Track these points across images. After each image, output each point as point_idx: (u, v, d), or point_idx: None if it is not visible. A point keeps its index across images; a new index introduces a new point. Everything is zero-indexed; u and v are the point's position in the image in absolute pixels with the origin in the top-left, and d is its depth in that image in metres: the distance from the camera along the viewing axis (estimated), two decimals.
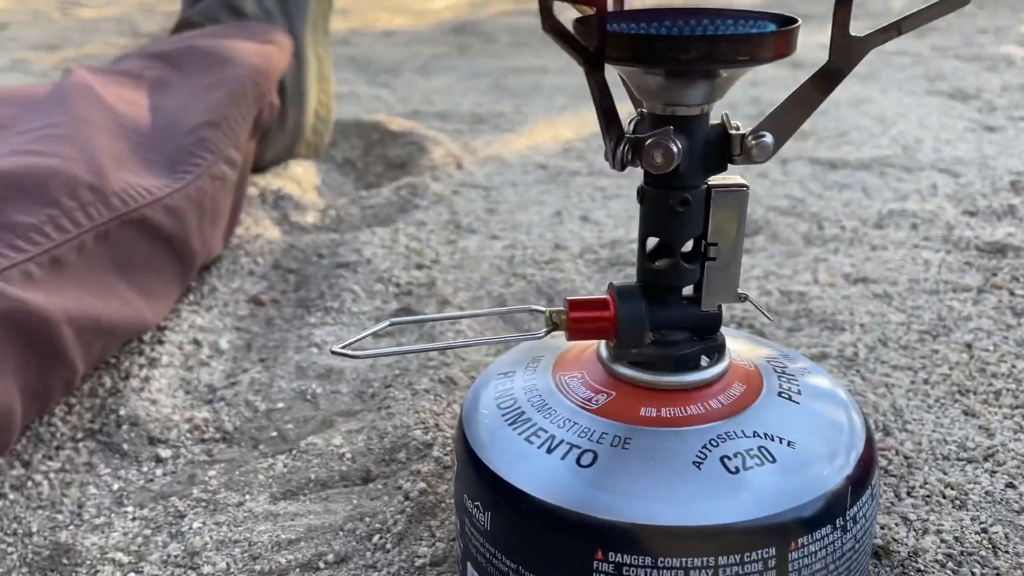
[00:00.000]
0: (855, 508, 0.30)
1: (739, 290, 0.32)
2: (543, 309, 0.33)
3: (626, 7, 0.33)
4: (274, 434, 0.50)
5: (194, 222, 0.58)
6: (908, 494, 0.42)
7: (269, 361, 0.58)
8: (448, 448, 0.45)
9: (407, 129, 1.05)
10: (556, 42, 0.24)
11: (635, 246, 0.73)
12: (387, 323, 0.33)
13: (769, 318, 0.36)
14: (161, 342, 0.58)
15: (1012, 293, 0.63)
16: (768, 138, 0.29)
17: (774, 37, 0.27)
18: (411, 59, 1.69)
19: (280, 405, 0.53)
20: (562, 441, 0.31)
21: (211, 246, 0.63)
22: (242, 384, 0.55)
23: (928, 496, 0.42)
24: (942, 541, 0.39)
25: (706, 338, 0.33)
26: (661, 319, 0.32)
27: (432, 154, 0.99)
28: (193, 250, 0.58)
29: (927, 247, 0.72)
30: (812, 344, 0.56)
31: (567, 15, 0.28)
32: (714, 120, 0.31)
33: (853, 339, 0.57)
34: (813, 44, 1.54)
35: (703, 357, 0.33)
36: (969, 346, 0.56)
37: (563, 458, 0.30)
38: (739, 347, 0.36)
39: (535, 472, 0.30)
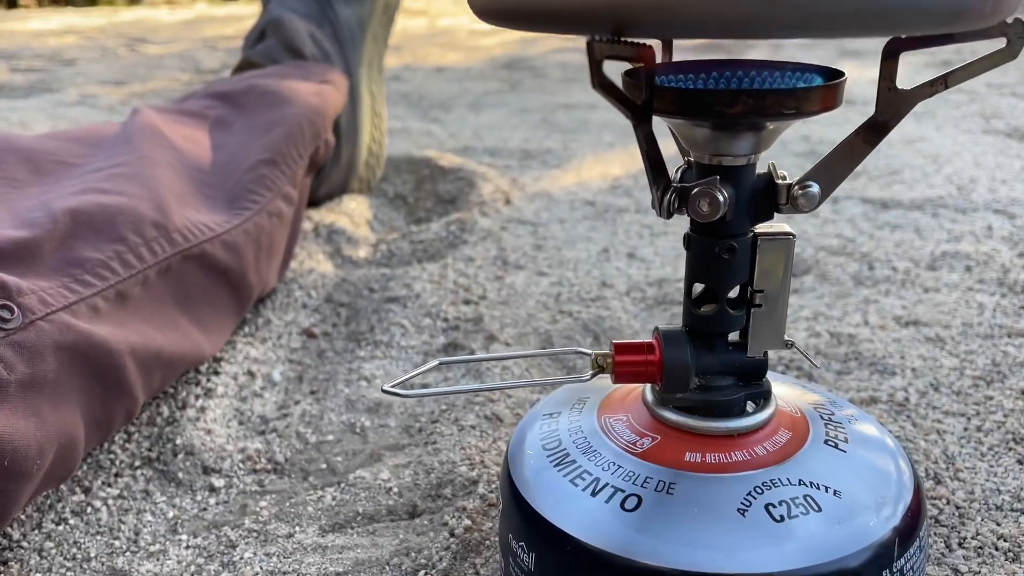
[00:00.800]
0: (902, 560, 0.30)
1: (785, 336, 0.32)
2: (589, 352, 0.33)
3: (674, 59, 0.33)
4: (323, 466, 0.51)
5: (251, 257, 0.59)
6: (959, 545, 0.41)
7: (320, 393, 0.59)
8: (493, 485, 0.46)
9: (457, 165, 1.06)
10: (605, 97, 0.25)
11: (682, 285, 0.73)
12: (435, 363, 0.34)
13: (815, 365, 0.36)
14: (217, 373, 0.60)
15: None
16: (815, 188, 0.30)
17: (820, 91, 0.27)
18: (462, 95, 1.72)
19: (330, 437, 0.54)
20: (607, 484, 0.31)
21: (267, 280, 0.65)
22: (293, 416, 0.56)
23: (980, 548, 0.41)
24: None
25: (752, 384, 0.33)
26: (706, 364, 0.32)
27: (481, 190, 1.00)
28: (250, 284, 0.60)
29: (981, 290, 0.71)
30: (861, 388, 0.56)
31: (614, 63, 0.29)
32: (761, 169, 0.31)
33: (904, 384, 0.56)
34: (865, 80, 1.53)
35: (749, 403, 0.33)
36: None
37: (607, 501, 0.30)
38: (785, 392, 0.36)
39: (579, 514, 0.30)
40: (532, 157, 1.20)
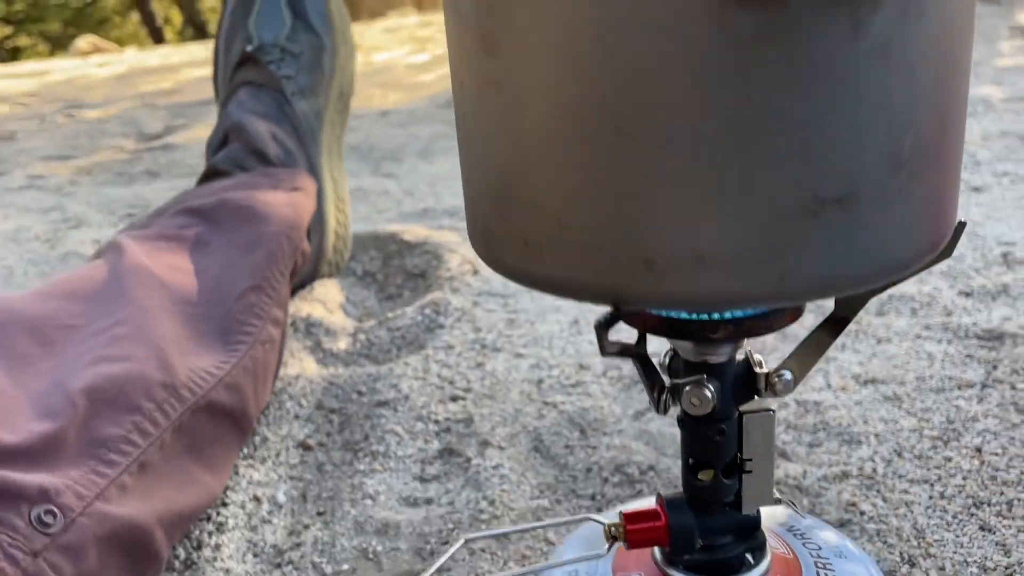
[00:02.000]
0: None
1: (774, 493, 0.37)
2: (603, 521, 0.37)
3: None
4: None
5: (251, 391, 0.62)
6: None
7: (327, 515, 0.62)
8: None
9: (422, 239, 1.09)
10: (612, 357, 0.28)
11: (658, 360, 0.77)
12: (462, 541, 0.38)
13: (802, 516, 0.40)
14: (225, 504, 0.62)
15: (1013, 387, 0.67)
16: (788, 375, 0.34)
17: (790, 312, 0.32)
18: (411, 142, 1.74)
19: (345, 567, 0.57)
20: None
21: (263, 404, 0.67)
22: (306, 544, 0.59)
23: None
24: None
25: (749, 538, 0.37)
26: (708, 527, 0.36)
27: (448, 263, 1.03)
28: (251, 417, 0.63)
29: (928, 337, 0.77)
30: (833, 462, 0.61)
31: None
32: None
33: (870, 452, 0.61)
34: None
35: (747, 555, 0.37)
36: (979, 450, 0.60)
37: None
38: (767, 521, 0.41)
39: None
40: None
